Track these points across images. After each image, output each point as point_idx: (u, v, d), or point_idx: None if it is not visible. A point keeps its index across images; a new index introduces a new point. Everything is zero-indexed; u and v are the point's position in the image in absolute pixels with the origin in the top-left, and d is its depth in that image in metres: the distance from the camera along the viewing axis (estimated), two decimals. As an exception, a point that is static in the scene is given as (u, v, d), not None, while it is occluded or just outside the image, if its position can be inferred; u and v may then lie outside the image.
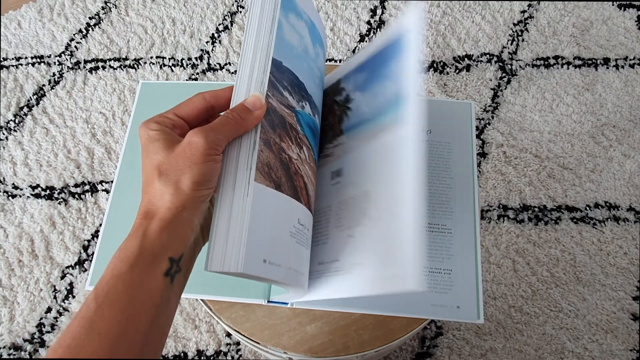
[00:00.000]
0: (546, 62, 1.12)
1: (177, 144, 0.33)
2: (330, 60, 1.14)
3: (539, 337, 0.88)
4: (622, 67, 1.11)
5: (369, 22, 1.18)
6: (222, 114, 0.37)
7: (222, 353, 0.88)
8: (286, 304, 0.51)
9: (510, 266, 0.93)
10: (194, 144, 0.32)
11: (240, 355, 0.87)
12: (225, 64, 1.14)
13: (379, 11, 1.20)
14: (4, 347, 0.88)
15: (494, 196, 0.99)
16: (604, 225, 0.96)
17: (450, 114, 0.61)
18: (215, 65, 1.14)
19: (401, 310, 0.50)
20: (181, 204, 0.32)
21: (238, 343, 0.88)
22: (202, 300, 0.54)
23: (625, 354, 0.87)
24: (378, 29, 1.17)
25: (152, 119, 0.35)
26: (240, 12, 1.21)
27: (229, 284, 0.51)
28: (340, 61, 1.14)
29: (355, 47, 1.15)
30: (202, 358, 0.87)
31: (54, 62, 1.16)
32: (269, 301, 0.50)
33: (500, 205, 0.98)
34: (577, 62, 1.12)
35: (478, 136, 1.05)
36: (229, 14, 1.21)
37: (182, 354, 0.87)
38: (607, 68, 1.11)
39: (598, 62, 1.12)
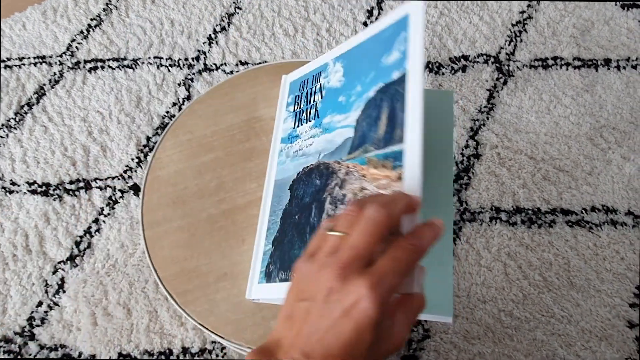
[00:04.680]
0: (544, 63, 1.10)
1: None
2: (325, 60, 1.14)
3: (529, 343, 0.86)
4: (624, 67, 1.09)
5: (365, 23, 1.18)
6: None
7: (207, 351, 0.88)
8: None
9: (501, 269, 0.91)
10: (361, 309, 0.26)
11: (225, 354, 0.87)
12: (221, 64, 1.15)
13: (375, 12, 1.19)
14: (-4, 340, 0.90)
15: (486, 198, 0.97)
16: (601, 229, 0.94)
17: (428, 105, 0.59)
18: (211, 65, 1.15)
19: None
20: None
21: (223, 341, 0.88)
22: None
23: (619, 363, 0.84)
24: (374, 30, 1.16)
25: (346, 263, 0.28)
26: (238, 13, 1.22)
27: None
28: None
29: (351, 48, 1.15)
30: (187, 356, 0.88)
31: (55, 62, 1.18)
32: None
33: (493, 207, 0.96)
34: (577, 62, 1.10)
35: (472, 137, 1.03)
36: (226, 15, 1.22)
37: (167, 351, 0.88)
38: (608, 69, 1.09)
39: (599, 63, 1.09)
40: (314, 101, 0.55)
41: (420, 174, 0.37)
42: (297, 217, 0.49)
